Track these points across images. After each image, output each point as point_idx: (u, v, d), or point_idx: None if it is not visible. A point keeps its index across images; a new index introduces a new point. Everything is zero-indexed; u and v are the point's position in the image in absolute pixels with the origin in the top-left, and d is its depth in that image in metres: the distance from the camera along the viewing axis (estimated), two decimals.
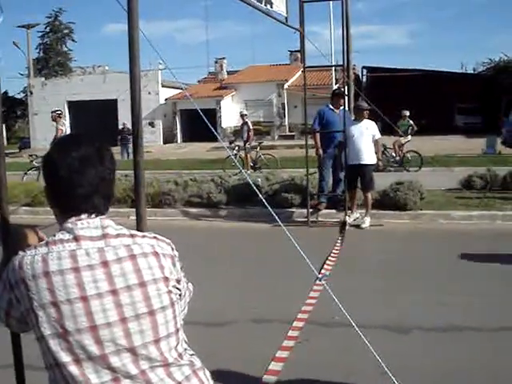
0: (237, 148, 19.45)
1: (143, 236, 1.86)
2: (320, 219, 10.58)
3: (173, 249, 1.91)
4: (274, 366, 4.54)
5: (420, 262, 7.66)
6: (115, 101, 40.33)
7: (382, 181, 10.95)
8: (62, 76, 46.89)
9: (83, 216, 1.79)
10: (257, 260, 8.07)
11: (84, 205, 1.80)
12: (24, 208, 12.04)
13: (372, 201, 10.22)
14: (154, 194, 11.49)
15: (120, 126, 25.18)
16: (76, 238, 1.75)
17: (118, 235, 1.80)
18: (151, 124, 40.60)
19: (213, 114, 37.02)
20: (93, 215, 1.80)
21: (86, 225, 1.78)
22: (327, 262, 7.50)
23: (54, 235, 1.78)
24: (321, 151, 10.64)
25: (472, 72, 49.54)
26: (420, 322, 5.36)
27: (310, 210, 10.35)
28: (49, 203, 1.90)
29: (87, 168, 1.80)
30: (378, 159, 10.51)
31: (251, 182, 3.50)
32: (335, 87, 20.23)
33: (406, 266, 7.38)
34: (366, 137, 10.03)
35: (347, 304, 4.54)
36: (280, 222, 3.15)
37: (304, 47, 10.77)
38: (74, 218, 1.78)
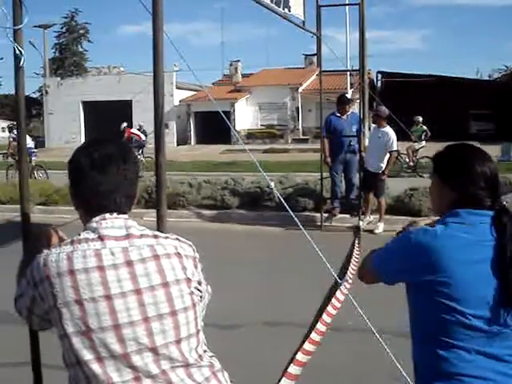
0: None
1: (166, 237, 1.88)
2: (333, 224, 10.57)
3: (194, 251, 1.93)
4: (293, 369, 4.53)
5: None
6: (130, 102, 40.48)
7: (396, 186, 10.92)
8: (77, 76, 47.08)
9: (107, 215, 1.82)
10: (271, 263, 8.08)
11: (106, 203, 1.82)
12: (38, 207, 12.10)
13: (386, 206, 10.20)
14: (167, 195, 11.42)
15: (136, 127, 25.19)
16: (101, 238, 1.77)
17: (141, 235, 1.82)
18: (165, 125, 40.57)
19: (227, 117, 36.94)
20: (115, 214, 1.83)
21: (111, 224, 1.80)
22: (350, 266, 7.47)
23: (79, 234, 1.81)
24: (329, 159, 10.65)
25: (487, 78, 49.33)
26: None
27: (325, 215, 10.36)
28: (73, 203, 1.92)
29: (109, 166, 1.83)
30: (384, 170, 10.07)
31: (272, 186, 3.51)
32: (349, 91, 20.22)
33: None
34: (378, 144, 10.00)
35: (365, 309, 4.54)
36: (301, 226, 3.17)
37: (320, 51, 10.77)
38: (98, 218, 1.81)
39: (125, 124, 23.00)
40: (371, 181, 10.04)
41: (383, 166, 10.04)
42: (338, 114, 10.77)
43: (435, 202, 2.29)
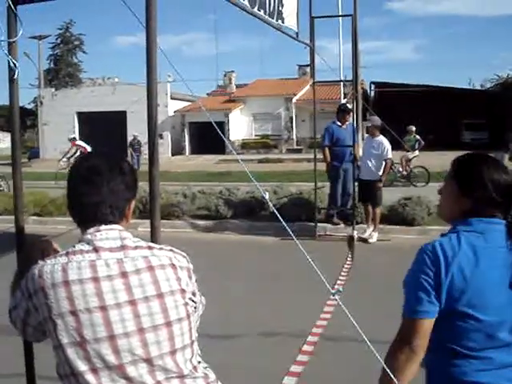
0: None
1: (160, 248, 1.89)
2: (328, 233, 10.58)
3: (188, 261, 1.94)
4: (288, 380, 4.54)
5: None
6: (124, 112, 40.50)
7: (390, 196, 10.95)
8: (71, 87, 47.16)
9: (102, 227, 1.83)
10: (265, 273, 8.08)
11: (91, 214, 1.83)
12: (33, 218, 12.08)
13: (380, 216, 10.23)
14: (162, 205, 11.43)
15: (130, 138, 25.19)
16: (95, 249, 1.78)
17: (136, 247, 1.83)
18: (160, 136, 40.63)
19: (221, 127, 37.16)
20: (109, 225, 1.83)
21: (105, 236, 1.81)
22: (339, 277, 7.51)
23: (74, 246, 1.82)
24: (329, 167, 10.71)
25: (479, 88, 49.59)
26: None
27: (325, 225, 10.40)
28: (70, 215, 1.94)
29: (93, 177, 1.84)
30: (381, 178, 10.19)
31: (266, 196, 3.52)
32: (343, 102, 20.30)
33: None
34: (374, 154, 10.04)
35: (359, 319, 4.53)
36: (293, 236, 3.17)
37: (314, 62, 10.79)
38: (92, 229, 1.82)
39: (71, 135, 23.12)
40: (368, 191, 10.05)
41: (380, 173, 10.10)
42: (339, 124, 10.81)
43: (447, 206, 2.29)
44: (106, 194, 1.84)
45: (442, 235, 2.17)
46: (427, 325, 2.05)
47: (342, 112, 10.89)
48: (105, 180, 1.84)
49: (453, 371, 2.05)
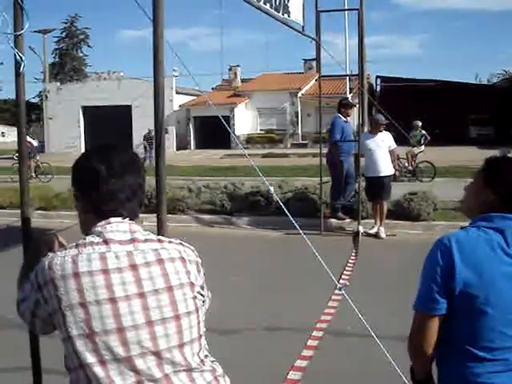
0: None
1: (170, 242, 1.90)
2: (333, 228, 10.57)
3: (197, 255, 1.95)
4: (293, 375, 4.54)
5: None
6: (129, 107, 40.54)
7: (396, 191, 10.92)
8: (77, 81, 47.16)
9: (112, 220, 1.83)
10: (270, 268, 8.08)
11: (121, 209, 1.85)
12: (38, 212, 12.10)
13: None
14: (167, 200, 11.42)
15: (145, 131, 25.25)
16: (106, 241, 1.78)
17: (146, 240, 1.84)
18: (165, 130, 40.64)
19: (226, 121, 36.97)
20: (127, 219, 1.85)
21: (115, 228, 1.81)
22: (344, 272, 7.51)
23: (84, 238, 1.82)
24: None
25: (486, 83, 49.42)
26: None
27: (336, 220, 10.38)
28: (80, 208, 1.92)
29: (127, 173, 1.86)
30: (395, 169, 10.53)
31: (272, 191, 3.51)
32: (348, 96, 20.27)
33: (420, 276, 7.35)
34: (383, 149, 10.01)
35: (363, 314, 4.54)
36: (300, 230, 3.17)
37: (320, 56, 10.77)
38: (103, 222, 1.82)
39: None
40: (379, 186, 10.00)
41: (391, 167, 10.17)
42: (344, 119, 10.79)
43: (471, 202, 2.28)
44: (136, 190, 1.88)
45: (462, 228, 2.17)
46: (435, 320, 2.05)
47: (345, 106, 10.87)
48: (135, 176, 1.88)
49: (466, 373, 2.03)
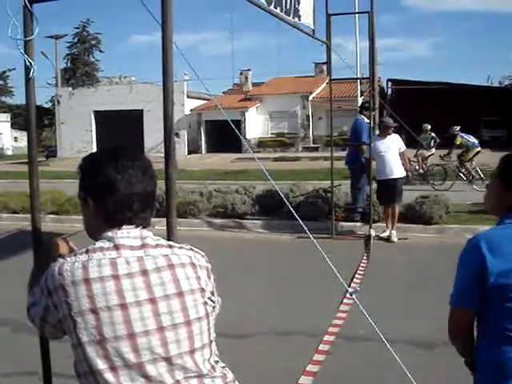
0: None
1: (180, 247, 1.89)
2: (344, 232, 10.54)
3: (207, 261, 1.93)
4: (304, 380, 4.52)
5: (446, 277, 7.56)
6: (141, 111, 40.69)
7: (407, 194, 10.88)
8: (88, 86, 47.45)
9: (124, 226, 1.82)
10: (282, 272, 8.06)
11: (135, 218, 1.83)
12: (50, 216, 12.17)
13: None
14: (178, 204, 11.50)
15: (157, 135, 25.40)
16: (116, 247, 1.77)
17: (156, 245, 1.83)
18: (176, 134, 40.88)
19: (238, 125, 37.20)
20: (139, 227, 1.83)
21: (126, 234, 1.80)
22: (356, 275, 7.48)
23: (94, 243, 1.81)
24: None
25: (498, 85, 49.15)
26: (445, 337, 5.30)
27: (347, 224, 10.35)
28: (91, 215, 1.86)
29: (143, 182, 1.84)
30: (407, 170, 10.52)
31: (281, 194, 3.50)
32: (361, 100, 20.24)
33: (432, 280, 7.30)
34: (393, 151, 9.99)
35: (375, 318, 4.52)
36: (310, 235, 3.15)
37: (330, 60, 10.75)
38: (114, 228, 1.81)
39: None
40: (392, 188, 9.95)
41: (402, 170, 10.16)
42: (367, 120, 10.78)
43: (492, 200, 2.40)
44: (151, 199, 1.88)
45: (497, 225, 2.31)
46: (470, 313, 2.24)
47: (367, 109, 10.94)
48: (150, 184, 1.87)
49: (502, 358, 2.13)
